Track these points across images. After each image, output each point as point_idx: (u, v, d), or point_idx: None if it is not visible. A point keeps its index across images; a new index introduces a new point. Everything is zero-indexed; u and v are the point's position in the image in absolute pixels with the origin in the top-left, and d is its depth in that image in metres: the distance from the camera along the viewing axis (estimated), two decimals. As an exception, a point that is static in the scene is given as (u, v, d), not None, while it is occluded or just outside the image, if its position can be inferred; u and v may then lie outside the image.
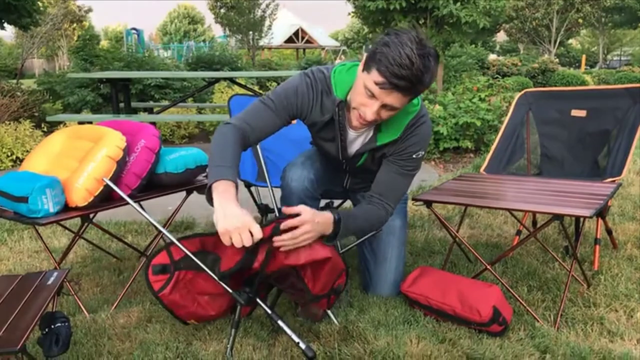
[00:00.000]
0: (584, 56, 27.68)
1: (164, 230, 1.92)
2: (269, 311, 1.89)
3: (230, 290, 1.86)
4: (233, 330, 1.93)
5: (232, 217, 1.64)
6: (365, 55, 1.81)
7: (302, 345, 1.79)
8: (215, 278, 1.84)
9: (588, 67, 30.31)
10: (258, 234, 1.64)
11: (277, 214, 2.45)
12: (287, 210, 1.80)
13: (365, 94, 1.78)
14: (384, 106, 1.79)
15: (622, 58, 41.67)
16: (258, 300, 1.90)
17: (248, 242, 1.62)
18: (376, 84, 1.72)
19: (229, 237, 1.63)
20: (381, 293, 2.35)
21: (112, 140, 2.26)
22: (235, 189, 1.74)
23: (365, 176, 2.19)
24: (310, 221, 1.77)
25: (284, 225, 1.76)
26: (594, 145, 2.90)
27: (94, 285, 2.60)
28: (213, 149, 1.84)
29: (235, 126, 1.90)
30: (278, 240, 1.75)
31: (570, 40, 33.40)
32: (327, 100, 1.98)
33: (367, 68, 1.77)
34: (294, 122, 2.14)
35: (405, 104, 1.83)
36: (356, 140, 2.07)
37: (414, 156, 2.03)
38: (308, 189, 2.11)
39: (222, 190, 1.70)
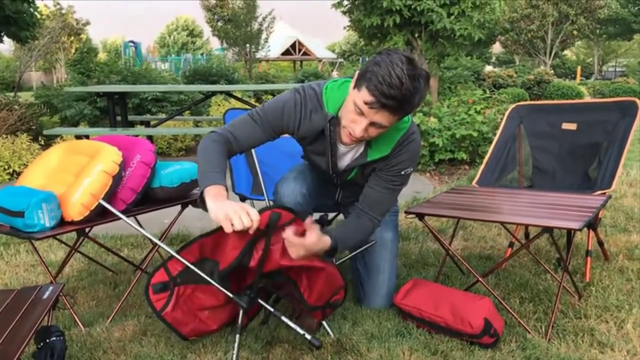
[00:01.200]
0: (579, 67, 27.85)
1: (160, 243, 1.94)
2: (271, 309, 1.91)
3: (231, 295, 1.89)
4: (237, 337, 1.95)
5: (227, 205, 1.71)
6: (357, 72, 1.85)
7: (308, 337, 1.83)
8: (214, 284, 1.87)
9: (583, 78, 30.49)
10: (256, 216, 1.70)
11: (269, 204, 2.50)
12: (298, 228, 1.86)
13: (354, 111, 1.82)
14: (372, 124, 1.82)
15: (617, 69, 41.90)
16: (260, 300, 1.93)
17: (248, 223, 1.67)
18: (365, 102, 1.76)
19: (231, 222, 1.68)
20: (374, 305, 2.37)
21: (108, 155, 2.29)
22: (226, 191, 1.80)
23: (356, 189, 2.22)
24: (306, 247, 1.84)
25: (286, 236, 1.83)
26: (584, 158, 2.94)
27: (89, 298, 2.62)
28: (200, 157, 1.92)
29: (220, 134, 1.98)
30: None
31: (565, 52, 33.61)
32: (317, 116, 2.01)
33: (357, 86, 1.80)
34: (286, 135, 2.17)
35: (393, 123, 1.86)
36: (346, 155, 2.10)
37: (402, 172, 2.07)
38: (300, 203, 2.14)
39: (215, 194, 1.78)
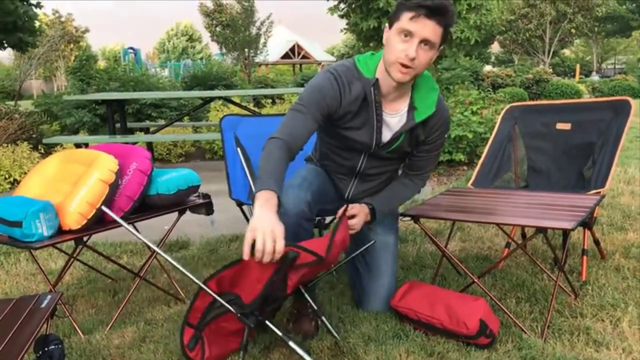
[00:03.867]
0: (577, 65, 27.84)
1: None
2: (280, 333, 1.90)
3: (239, 315, 1.89)
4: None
5: (265, 220, 1.71)
6: (387, 24, 2.02)
7: None
8: (231, 309, 1.87)
9: (583, 76, 30.47)
10: (280, 247, 1.69)
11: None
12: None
13: (401, 39, 1.95)
14: (422, 42, 1.94)
15: (617, 66, 41.89)
16: (268, 323, 1.92)
17: (268, 250, 1.67)
18: (410, 19, 1.90)
19: (253, 237, 1.68)
20: (374, 308, 2.39)
21: (105, 163, 2.31)
22: (277, 199, 1.81)
23: (375, 178, 2.37)
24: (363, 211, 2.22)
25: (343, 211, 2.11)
26: (579, 158, 2.95)
27: (89, 306, 2.64)
28: (261, 162, 1.95)
29: (280, 139, 2.00)
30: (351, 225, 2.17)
31: (564, 50, 33.61)
32: (356, 85, 2.10)
33: (395, 19, 1.96)
34: None
35: (439, 40, 1.98)
36: (391, 123, 2.18)
37: (445, 136, 2.31)
38: (305, 211, 2.12)
39: (265, 199, 1.79)
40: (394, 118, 2.18)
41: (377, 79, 2.10)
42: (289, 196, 2.16)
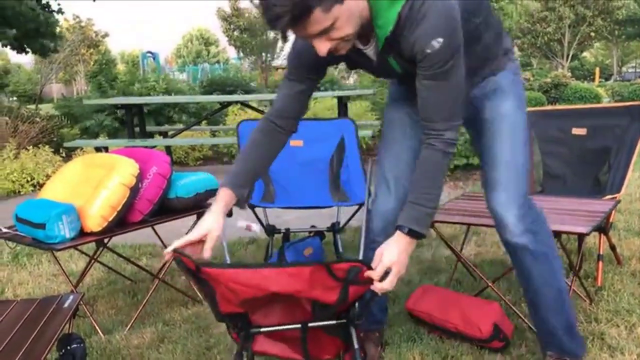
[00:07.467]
0: (597, 69, 27.56)
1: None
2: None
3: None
4: None
5: (199, 224, 1.64)
6: None
7: None
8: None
9: (603, 80, 30.12)
10: (168, 251, 1.52)
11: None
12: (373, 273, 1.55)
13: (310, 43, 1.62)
14: (319, 36, 1.57)
15: (638, 70, 41.37)
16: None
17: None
18: (292, 35, 1.61)
19: None
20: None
21: (125, 167, 2.37)
22: (232, 192, 1.71)
23: None
24: (397, 262, 1.61)
25: (368, 274, 1.53)
26: (594, 163, 2.95)
27: (109, 307, 2.69)
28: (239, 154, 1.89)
29: (266, 120, 1.89)
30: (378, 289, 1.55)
31: (584, 54, 33.31)
32: None
33: None
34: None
35: (334, 17, 1.53)
36: (370, 52, 1.81)
37: (427, 50, 1.60)
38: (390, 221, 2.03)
39: (217, 198, 1.71)
40: (368, 49, 1.79)
41: None
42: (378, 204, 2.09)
